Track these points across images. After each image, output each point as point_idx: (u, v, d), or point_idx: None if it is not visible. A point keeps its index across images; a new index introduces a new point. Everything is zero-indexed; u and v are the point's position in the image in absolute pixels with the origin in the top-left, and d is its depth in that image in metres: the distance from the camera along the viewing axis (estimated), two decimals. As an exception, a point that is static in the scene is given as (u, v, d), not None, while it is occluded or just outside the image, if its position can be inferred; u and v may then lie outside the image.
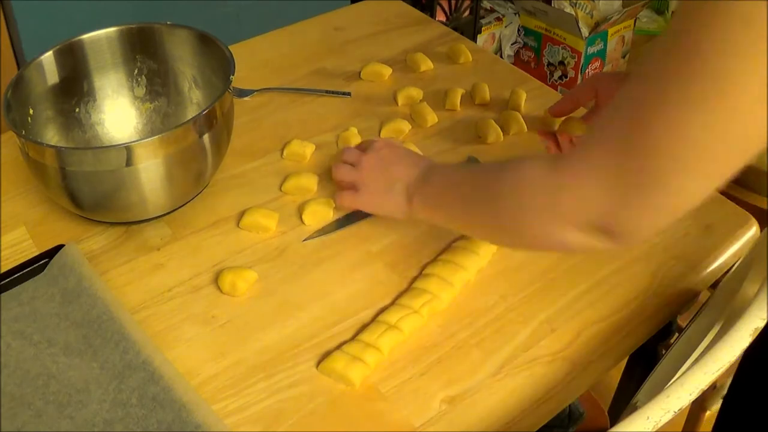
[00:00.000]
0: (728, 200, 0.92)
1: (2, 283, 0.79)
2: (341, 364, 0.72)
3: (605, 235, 0.60)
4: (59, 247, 0.83)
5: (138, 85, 0.98)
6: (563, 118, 0.93)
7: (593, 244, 0.61)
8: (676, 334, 0.87)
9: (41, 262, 0.82)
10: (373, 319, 0.77)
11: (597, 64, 2.33)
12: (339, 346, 0.75)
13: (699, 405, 0.96)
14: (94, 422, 0.68)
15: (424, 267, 0.83)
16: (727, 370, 0.65)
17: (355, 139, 0.98)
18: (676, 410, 0.70)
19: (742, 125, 0.51)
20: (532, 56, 2.40)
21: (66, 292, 0.79)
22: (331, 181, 0.94)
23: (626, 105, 0.56)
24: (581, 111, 0.95)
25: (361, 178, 0.85)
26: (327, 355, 0.74)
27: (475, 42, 2.08)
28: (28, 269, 0.81)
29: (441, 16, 2.04)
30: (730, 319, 0.73)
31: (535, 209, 0.64)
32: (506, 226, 0.70)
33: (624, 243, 0.60)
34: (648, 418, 0.66)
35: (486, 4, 2.28)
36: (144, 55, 0.96)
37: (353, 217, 0.89)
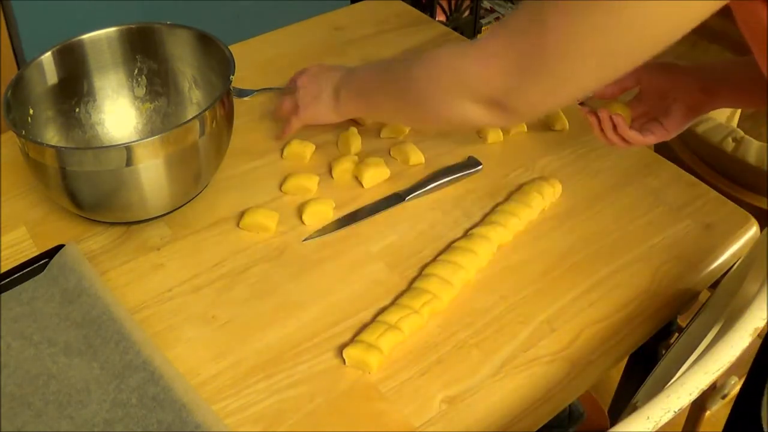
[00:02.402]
0: (728, 200, 0.92)
1: (2, 283, 0.79)
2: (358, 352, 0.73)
3: (500, 109, 0.71)
4: (59, 247, 0.83)
5: (138, 85, 0.98)
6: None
7: (489, 118, 0.73)
8: (676, 334, 0.87)
9: (41, 262, 0.82)
10: (373, 319, 0.77)
11: (597, 64, 2.33)
12: (339, 347, 0.75)
13: (699, 405, 0.96)
14: (94, 422, 0.68)
15: (424, 267, 0.83)
16: (727, 370, 0.65)
17: (355, 139, 0.98)
18: (676, 410, 0.70)
19: (626, 21, 0.59)
20: (532, 56, 2.40)
21: (66, 292, 0.79)
22: (331, 181, 0.94)
23: (527, 2, 0.65)
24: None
25: (296, 98, 0.95)
26: (326, 355, 0.74)
27: (475, 42, 2.08)
28: (28, 269, 0.81)
29: (441, 16, 2.04)
30: (730, 319, 0.73)
31: (442, 85, 0.74)
32: (415, 102, 0.80)
33: (515, 118, 0.74)
34: (648, 418, 0.66)
35: (486, 4, 2.28)
36: (144, 55, 0.96)
37: (353, 217, 0.89)
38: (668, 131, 0.86)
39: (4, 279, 0.80)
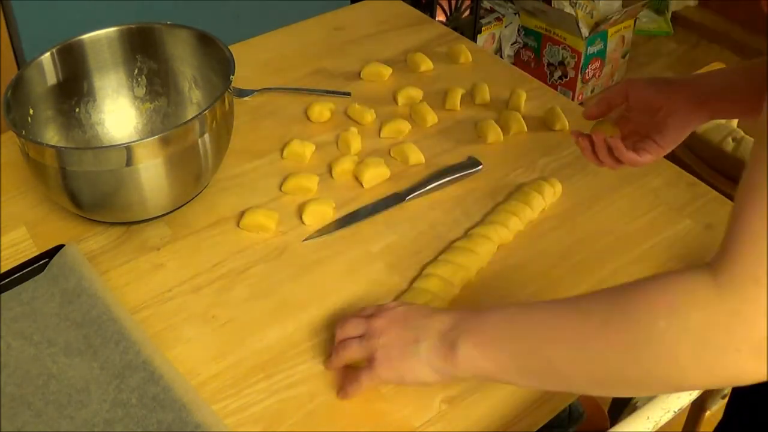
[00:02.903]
0: (728, 200, 0.92)
1: (2, 283, 0.79)
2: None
3: None
4: (59, 247, 0.83)
5: (138, 85, 0.98)
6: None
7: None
8: (676, 334, 0.87)
9: (41, 262, 0.82)
10: (373, 319, 0.77)
11: (597, 64, 2.33)
12: (339, 346, 0.75)
13: (699, 405, 0.96)
14: (94, 422, 0.68)
15: (424, 267, 0.83)
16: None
17: (355, 139, 0.98)
18: (676, 410, 0.70)
19: None
20: (532, 56, 2.40)
21: (66, 292, 0.79)
22: (331, 181, 0.94)
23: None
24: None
25: (374, 344, 0.67)
26: (327, 355, 0.74)
27: (475, 42, 2.08)
28: (28, 269, 0.81)
29: (441, 16, 2.04)
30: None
31: (708, 348, 0.52)
32: (653, 373, 0.55)
33: None
34: (648, 418, 0.66)
35: (486, 4, 2.28)
36: (144, 55, 0.96)
37: (353, 217, 0.89)
38: (663, 148, 0.84)
39: (4, 279, 0.80)
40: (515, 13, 2.34)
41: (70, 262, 0.81)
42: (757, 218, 0.51)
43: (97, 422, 0.68)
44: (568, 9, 2.23)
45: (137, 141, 0.81)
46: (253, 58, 1.15)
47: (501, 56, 2.32)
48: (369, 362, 0.68)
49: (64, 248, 0.83)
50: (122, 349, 0.73)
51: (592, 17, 2.27)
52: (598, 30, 2.25)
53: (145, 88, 0.98)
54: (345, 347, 0.70)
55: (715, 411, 0.94)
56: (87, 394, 0.71)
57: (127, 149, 0.79)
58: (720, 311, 0.51)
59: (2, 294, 0.79)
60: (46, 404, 0.70)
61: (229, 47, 0.90)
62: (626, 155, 0.83)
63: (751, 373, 0.53)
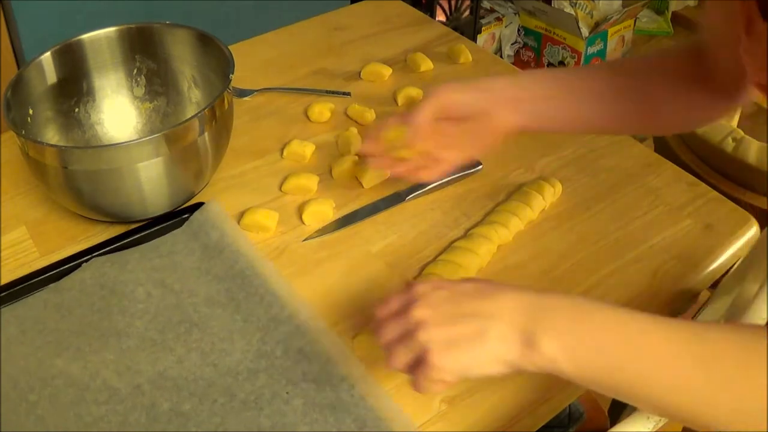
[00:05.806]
0: (728, 200, 0.92)
1: (139, 236, 0.82)
2: None
3: None
4: (199, 204, 0.86)
5: (137, 85, 0.98)
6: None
7: None
8: (676, 334, 0.87)
9: (181, 218, 0.85)
10: (373, 319, 0.77)
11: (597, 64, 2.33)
12: (339, 346, 0.75)
13: (699, 405, 0.96)
14: (237, 370, 0.70)
15: (424, 267, 0.83)
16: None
17: (355, 139, 0.98)
18: (676, 410, 0.70)
19: None
20: (532, 56, 2.40)
21: (207, 248, 0.81)
22: (331, 181, 0.94)
23: None
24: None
25: (419, 343, 0.59)
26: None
27: (475, 42, 2.08)
28: (166, 224, 0.84)
29: (441, 16, 2.04)
30: (730, 320, 0.73)
31: None
32: None
33: None
34: (648, 418, 0.66)
35: (486, 4, 2.28)
36: (143, 54, 0.96)
37: (353, 217, 0.89)
38: (477, 150, 0.86)
39: (140, 233, 0.83)
40: (515, 13, 2.34)
41: (212, 219, 0.83)
42: None
43: (241, 370, 0.70)
44: (568, 9, 2.24)
45: (137, 140, 0.81)
46: (253, 58, 1.15)
47: (501, 56, 2.32)
48: (421, 362, 0.59)
49: (205, 205, 0.86)
50: (267, 304, 0.75)
51: (592, 17, 2.27)
52: (598, 30, 2.25)
53: (144, 88, 0.98)
54: (391, 356, 0.60)
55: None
56: (230, 343, 0.72)
57: (127, 148, 0.79)
58: None
59: (141, 245, 0.81)
60: (189, 351, 0.72)
61: (229, 47, 0.90)
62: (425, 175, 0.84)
63: None
